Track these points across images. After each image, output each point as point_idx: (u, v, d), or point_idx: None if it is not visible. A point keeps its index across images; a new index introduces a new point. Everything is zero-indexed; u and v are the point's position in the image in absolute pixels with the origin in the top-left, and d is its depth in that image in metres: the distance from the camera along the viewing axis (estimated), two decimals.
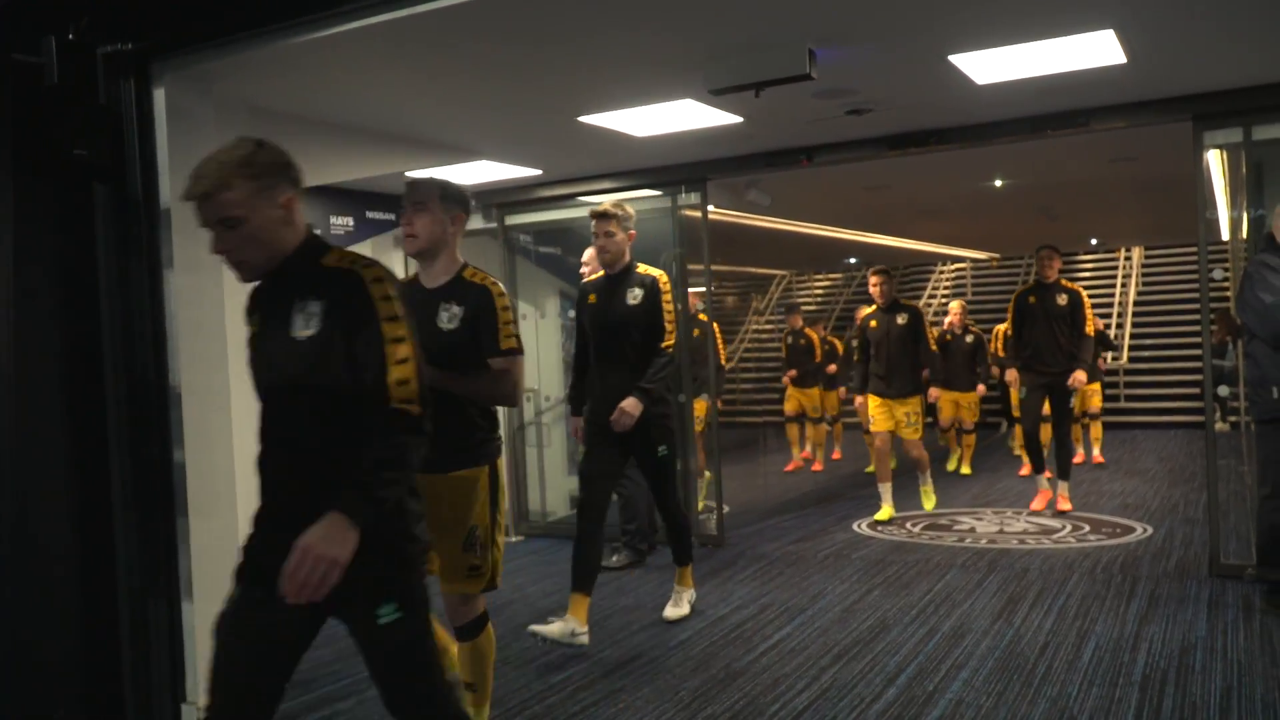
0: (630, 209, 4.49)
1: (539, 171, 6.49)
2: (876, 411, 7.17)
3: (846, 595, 5.16)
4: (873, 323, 7.18)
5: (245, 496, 4.00)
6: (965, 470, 9.44)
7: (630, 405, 4.33)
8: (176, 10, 3.56)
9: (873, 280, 7.27)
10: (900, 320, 7.08)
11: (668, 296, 4.51)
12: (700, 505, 6.91)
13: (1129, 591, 5.00)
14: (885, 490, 7.30)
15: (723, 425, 6.98)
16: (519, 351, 3.12)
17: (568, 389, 5.15)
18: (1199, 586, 5.02)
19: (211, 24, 3.67)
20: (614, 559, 5.98)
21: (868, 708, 3.62)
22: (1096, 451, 9.79)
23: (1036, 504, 7.36)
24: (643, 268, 4.55)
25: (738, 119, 5.15)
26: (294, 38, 3.57)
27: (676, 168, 6.38)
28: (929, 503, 7.53)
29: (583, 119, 5.05)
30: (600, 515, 4.49)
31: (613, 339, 4.50)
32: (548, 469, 7.38)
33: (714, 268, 6.68)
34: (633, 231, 4.50)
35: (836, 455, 10.97)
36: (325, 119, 4.89)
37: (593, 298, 4.61)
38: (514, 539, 7.01)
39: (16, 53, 3.29)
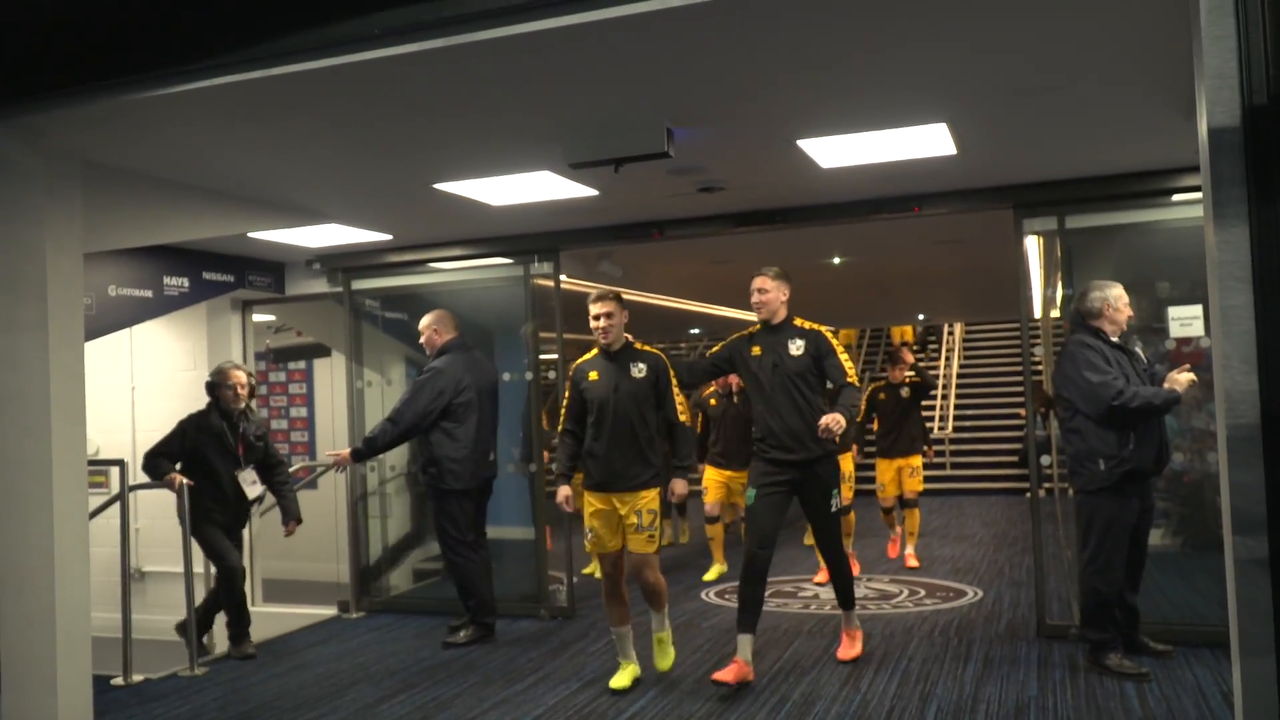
0: None
1: (389, 236, 6.38)
2: (593, 519, 4.77)
3: (699, 665, 5.17)
4: (592, 374, 4.79)
5: (64, 570, 3.73)
6: None
7: None
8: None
9: (597, 310, 4.79)
10: (637, 373, 4.71)
11: None
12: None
13: (965, 654, 5.20)
14: (619, 637, 4.92)
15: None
16: None
17: None
18: (1028, 647, 5.28)
19: (38, 77, 3.49)
20: (460, 634, 5.81)
21: None
22: (911, 550, 8.03)
23: None
24: None
25: (594, 192, 5.22)
26: (130, 95, 3.44)
27: (530, 237, 6.41)
28: (664, 660, 5.02)
29: (439, 186, 5.01)
30: None
31: None
32: (390, 540, 7.15)
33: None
34: None
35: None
36: (166, 177, 4.68)
37: None
38: (355, 615, 6.72)
39: None
